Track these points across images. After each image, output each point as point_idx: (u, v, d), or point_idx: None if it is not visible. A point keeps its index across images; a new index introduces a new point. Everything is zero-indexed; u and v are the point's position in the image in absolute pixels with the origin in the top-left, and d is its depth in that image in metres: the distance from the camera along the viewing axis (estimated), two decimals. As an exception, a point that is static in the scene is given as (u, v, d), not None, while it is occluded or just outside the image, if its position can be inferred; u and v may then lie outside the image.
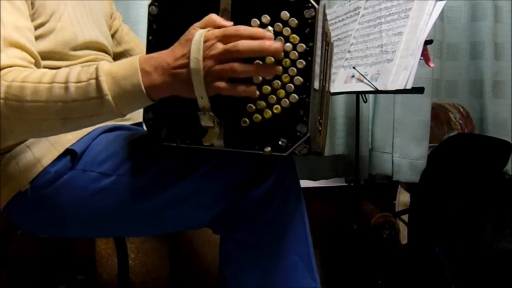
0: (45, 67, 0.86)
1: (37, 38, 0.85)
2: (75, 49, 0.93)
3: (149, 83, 0.69)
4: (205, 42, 0.67)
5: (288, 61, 0.70)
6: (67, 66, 0.92)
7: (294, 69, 0.70)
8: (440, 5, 1.15)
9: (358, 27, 1.34)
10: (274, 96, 0.71)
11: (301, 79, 0.70)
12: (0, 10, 0.77)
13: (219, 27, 0.69)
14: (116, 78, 0.70)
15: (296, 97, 0.71)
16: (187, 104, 0.71)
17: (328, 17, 1.47)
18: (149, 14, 0.76)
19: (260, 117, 0.72)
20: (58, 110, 0.71)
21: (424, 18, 1.15)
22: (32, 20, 0.85)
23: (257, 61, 0.69)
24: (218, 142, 0.74)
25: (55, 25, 0.89)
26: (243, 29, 0.68)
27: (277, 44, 0.68)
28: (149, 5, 0.75)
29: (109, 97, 0.69)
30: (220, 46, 0.67)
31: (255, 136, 0.73)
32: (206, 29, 0.68)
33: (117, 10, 1.24)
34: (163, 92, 0.71)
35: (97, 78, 0.70)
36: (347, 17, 1.41)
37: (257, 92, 0.71)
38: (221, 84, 0.68)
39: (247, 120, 0.73)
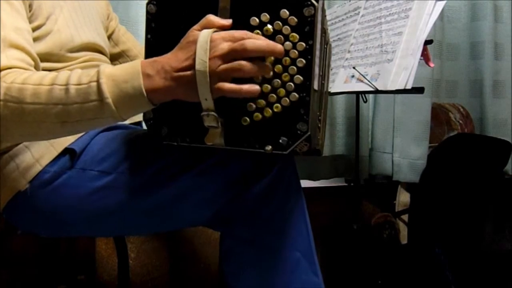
0: (42, 69, 0.87)
1: (34, 40, 0.85)
2: (71, 50, 0.93)
3: (151, 87, 0.68)
4: (211, 42, 0.67)
5: (288, 59, 0.70)
6: (64, 67, 0.92)
7: (294, 67, 0.70)
8: (440, 5, 1.15)
9: (358, 27, 1.34)
10: (274, 95, 0.71)
11: (301, 77, 0.70)
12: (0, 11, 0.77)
13: (218, 27, 0.69)
14: (117, 81, 0.69)
15: (296, 95, 0.71)
16: (187, 103, 0.71)
17: (328, 17, 1.47)
18: (147, 12, 0.75)
19: (260, 115, 0.72)
20: (58, 113, 0.70)
21: (424, 18, 1.15)
22: (30, 23, 0.85)
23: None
24: (218, 140, 0.74)
25: (52, 27, 0.89)
26: (250, 33, 0.68)
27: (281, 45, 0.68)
28: (147, 4, 0.75)
29: (110, 100, 0.68)
30: (226, 46, 0.66)
31: (256, 135, 0.73)
32: (212, 30, 0.68)
33: (117, 11, 1.24)
34: (165, 96, 0.70)
35: (98, 81, 0.69)
36: (347, 17, 1.41)
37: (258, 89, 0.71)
38: (225, 85, 0.67)
39: (248, 119, 0.73)
